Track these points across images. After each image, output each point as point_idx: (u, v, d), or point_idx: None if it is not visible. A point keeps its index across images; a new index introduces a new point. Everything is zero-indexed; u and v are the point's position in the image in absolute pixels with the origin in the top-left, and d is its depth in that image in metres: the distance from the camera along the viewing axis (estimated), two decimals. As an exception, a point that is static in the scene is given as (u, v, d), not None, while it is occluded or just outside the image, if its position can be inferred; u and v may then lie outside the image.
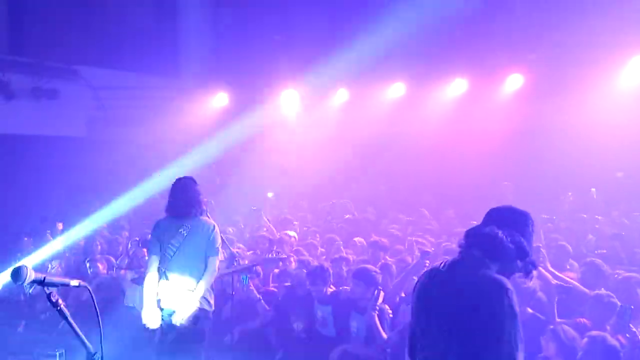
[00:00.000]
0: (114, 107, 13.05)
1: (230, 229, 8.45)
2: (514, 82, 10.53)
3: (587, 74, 9.08)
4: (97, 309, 2.17)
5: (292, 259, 6.72)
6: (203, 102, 13.00)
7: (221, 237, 5.69)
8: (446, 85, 11.04)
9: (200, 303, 4.67)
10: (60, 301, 1.97)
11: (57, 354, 6.53)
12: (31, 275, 1.94)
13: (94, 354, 2.04)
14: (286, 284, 6.24)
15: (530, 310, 4.72)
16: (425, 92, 11.07)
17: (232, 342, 5.64)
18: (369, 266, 5.42)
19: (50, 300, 1.97)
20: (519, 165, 9.62)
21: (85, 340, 2.03)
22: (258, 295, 6.08)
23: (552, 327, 4.41)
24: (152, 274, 4.74)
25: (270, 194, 12.22)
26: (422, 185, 10.59)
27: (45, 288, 1.98)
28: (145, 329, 4.88)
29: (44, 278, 1.97)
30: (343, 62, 10.88)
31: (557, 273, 5.52)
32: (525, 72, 10.33)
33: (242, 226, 9.41)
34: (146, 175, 11.46)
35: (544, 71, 9.79)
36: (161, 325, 4.74)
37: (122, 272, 7.04)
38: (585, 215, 8.16)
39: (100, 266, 7.26)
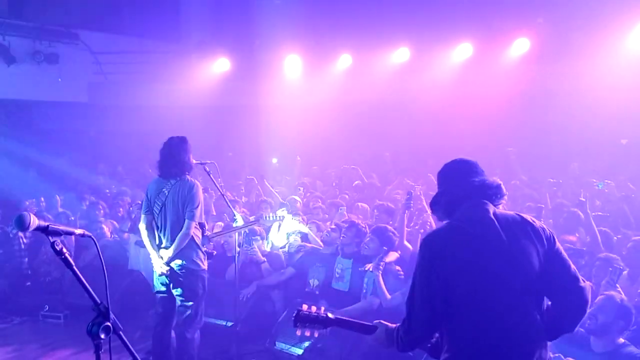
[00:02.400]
0: (114, 71, 12.91)
1: (229, 194, 8.44)
2: (520, 46, 10.34)
3: (595, 38, 8.90)
4: (102, 260, 2.14)
5: (301, 219, 6.74)
6: (204, 67, 12.81)
7: (226, 199, 5.71)
8: (451, 50, 10.85)
9: (185, 261, 4.70)
10: (64, 250, 1.94)
11: (62, 315, 6.65)
12: (34, 222, 1.91)
13: (100, 304, 2.01)
14: (306, 244, 6.27)
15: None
16: (430, 57, 10.90)
17: (237, 302, 5.66)
18: (389, 227, 5.42)
19: (54, 249, 1.93)
20: (525, 130, 9.54)
21: (91, 290, 2.00)
22: (262, 258, 6.10)
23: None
24: (142, 230, 4.90)
25: (274, 160, 12.20)
26: (426, 151, 10.52)
27: (50, 237, 1.95)
28: (153, 290, 4.97)
29: (48, 226, 1.94)
30: (346, 27, 10.71)
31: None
32: (531, 36, 10.13)
33: (243, 190, 9.38)
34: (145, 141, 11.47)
35: (550, 35, 9.62)
36: (159, 281, 4.81)
37: (126, 235, 7.07)
38: (594, 180, 8.08)
39: (105, 228, 7.27)
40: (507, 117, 9.59)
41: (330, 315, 2.67)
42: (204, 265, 4.87)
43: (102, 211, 7.89)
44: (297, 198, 8.34)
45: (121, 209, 8.34)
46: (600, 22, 8.75)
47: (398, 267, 5.30)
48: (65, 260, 1.95)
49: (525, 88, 9.97)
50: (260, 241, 6.49)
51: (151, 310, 5.53)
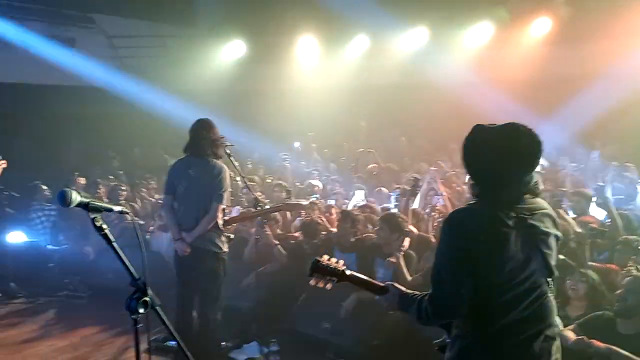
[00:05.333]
0: (129, 56, 12.94)
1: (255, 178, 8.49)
2: (540, 25, 10.16)
3: (620, 16, 8.66)
4: (139, 235, 2.17)
5: (317, 203, 6.75)
6: (219, 50, 12.78)
7: (245, 182, 5.74)
8: (470, 30, 10.69)
9: (207, 244, 4.72)
10: (104, 226, 1.97)
11: (85, 295, 6.77)
12: (76, 198, 1.93)
13: (138, 279, 2.04)
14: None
15: (561, 257, 4.69)
16: (449, 37, 10.73)
17: (252, 284, 5.72)
18: (396, 212, 5.39)
19: (94, 225, 1.96)
20: (546, 114, 9.38)
21: (129, 265, 2.03)
22: (275, 241, 6.11)
23: (581, 270, 4.38)
24: (166, 211, 4.94)
25: (297, 144, 12.17)
26: (445, 135, 10.41)
27: (89, 213, 1.98)
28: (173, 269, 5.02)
29: (89, 202, 1.96)
30: (362, 6, 10.60)
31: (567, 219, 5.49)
32: (553, 15, 9.93)
33: (262, 174, 9.43)
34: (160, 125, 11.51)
35: (573, 13, 9.40)
36: (181, 264, 4.84)
37: (151, 228, 7.14)
38: (615, 163, 7.98)
39: (130, 213, 7.32)
40: (527, 100, 9.40)
41: (346, 270, 2.68)
42: (225, 247, 4.91)
43: (124, 194, 7.96)
44: (315, 183, 8.36)
45: (144, 192, 8.43)
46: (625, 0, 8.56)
47: (413, 252, 5.31)
48: (106, 237, 1.98)
49: (546, 69, 9.75)
50: (275, 225, 6.52)
51: (172, 291, 5.62)
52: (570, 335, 3.77)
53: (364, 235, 5.70)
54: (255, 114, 12.81)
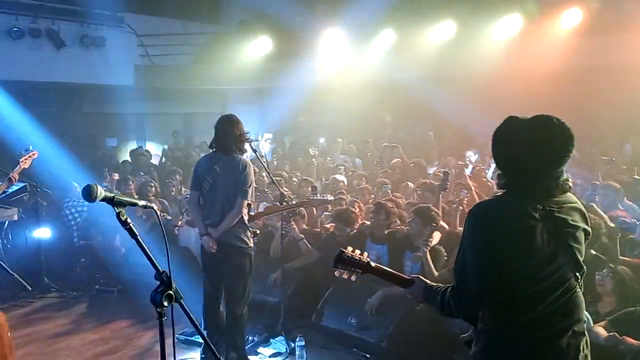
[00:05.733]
0: (159, 54, 13.14)
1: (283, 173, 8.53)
2: (571, 16, 9.90)
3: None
4: (163, 229, 2.20)
5: (344, 199, 6.74)
6: (245, 47, 12.86)
7: (272, 178, 5.76)
8: (499, 22, 10.49)
9: (233, 240, 4.76)
10: (128, 220, 1.99)
11: (115, 289, 6.90)
12: (101, 193, 1.97)
13: (163, 273, 2.07)
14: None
15: (592, 252, 4.59)
16: (476, 30, 10.55)
17: (278, 279, 5.74)
18: (431, 206, 5.35)
19: (119, 219, 1.99)
20: (577, 106, 9.17)
21: (154, 260, 2.06)
22: (300, 235, 6.13)
23: (611, 265, 4.29)
24: (193, 207, 5.01)
25: (322, 139, 12.18)
26: (473, 129, 10.27)
27: (115, 207, 2.01)
28: (200, 266, 5.09)
29: (114, 197, 2.00)
30: (388, 1, 10.51)
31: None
32: (583, 6, 9.67)
33: (288, 169, 9.47)
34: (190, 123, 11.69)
35: (604, 3, 9.17)
36: (207, 259, 4.89)
37: (179, 222, 7.22)
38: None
39: (155, 207, 7.42)
40: (557, 93, 9.19)
41: (371, 262, 2.66)
42: (251, 243, 4.94)
43: (153, 189, 8.08)
44: (339, 178, 8.34)
45: (173, 190, 8.54)
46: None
47: (442, 248, 5.27)
48: (130, 231, 2.01)
49: (577, 62, 9.52)
50: (300, 220, 6.53)
51: (200, 286, 5.69)
52: (601, 331, 3.69)
53: (396, 227, 5.68)
54: (283, 109, 12.87)
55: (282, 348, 5.25)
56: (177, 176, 9.24)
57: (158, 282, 2.08)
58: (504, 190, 2.36)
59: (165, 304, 2.05)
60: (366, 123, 12.11)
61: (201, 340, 5.21)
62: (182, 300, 2.13)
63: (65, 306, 6.57)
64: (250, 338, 5.31)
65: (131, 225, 2.00)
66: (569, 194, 2.36)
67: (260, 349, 5.25)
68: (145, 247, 2.03)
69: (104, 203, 2.02)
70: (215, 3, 14.27)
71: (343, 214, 5.88)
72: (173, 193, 8.56)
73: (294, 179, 8.68)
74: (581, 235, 2.35)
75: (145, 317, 5.94)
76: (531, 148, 2.25)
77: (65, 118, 12.14)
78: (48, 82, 11.61)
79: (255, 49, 12.84)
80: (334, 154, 11.05)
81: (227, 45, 12.93)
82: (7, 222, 7.07)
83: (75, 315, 6.31)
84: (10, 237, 7.23)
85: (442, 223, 5.46)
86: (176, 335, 5.33)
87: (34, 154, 6.26)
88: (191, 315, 2.16)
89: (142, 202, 2.16)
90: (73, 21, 11.90)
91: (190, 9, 13.57)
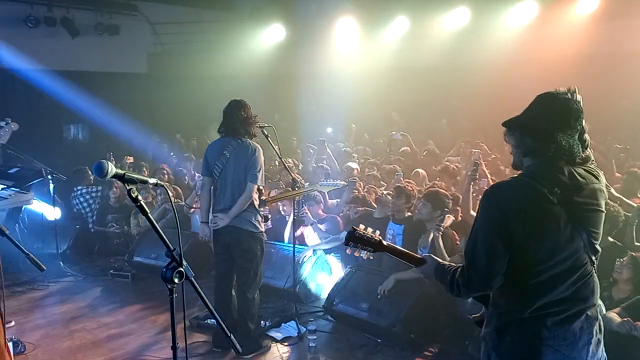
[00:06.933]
0: (171, 42, 13.17)
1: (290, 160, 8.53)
2: (588, 2, 9.75)
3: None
4: (174, 208, 2.21)
5: (358, 186, 6.76)
6: (258, 34, 12.84)
7: (284, 164, 5.77)
8: (514, 8, 10.36)
9: (243, 224, 4.77)
10: (139, 197, 2.01)
11: (129, 275, 6.97)
12: (112, 170, 1.98)
13: (174, 250, 2.08)
14: (359, 208, 6.27)
15: (610, 239, 4.54)
16: (491, 17, 10.44)
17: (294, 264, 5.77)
18: (441, 190, 5.32)
19: (130, 196, 2.01)
20: (593, 94, 9.02)
21: (165, 237, 2.07)
22: (312, 219, 6.16)
23: (632, 253, 4.24)
24: (203, 194, 5.01)
25: (329, 129, 12.18)
26: (486, 117, 10.17)
27: (125, 184, 2.02)
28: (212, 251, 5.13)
29: (124, 174, 2.01)
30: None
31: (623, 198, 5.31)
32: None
33: (300, 153, 9.50)
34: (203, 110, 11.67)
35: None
36: (219, 244, 4.93)
37: (192, 210, 7.29)
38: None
39: (169, 194, 7.47)
40: (572, 80, 9.04)
41: (382, 240, 2.66)
42: (262, 227, 4.95)
43: (166, 177, 8.13)
44: (353, 166, 8.34)
45: (186, 178, 8.61)
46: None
47: (454, 232, 5.25)
48: (141, 207, 2.02)
49: (594, 48, 9.37)
50: (315, 205, 6.55)
51: (212, 270, 5.74)
52: (615, 317, 3.67)
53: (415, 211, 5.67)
54: (295, 97, 12.85)
55: (294, 332, 5.27)
56: (190, 164, 9.28)
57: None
58: (520, 172, 2.34)
59: (176, 280, 2.07)
60: (380, 111, 12.04)
61: (213, 324, 5.27)
62: (192, 278, 2.14)
63: (80, 290, 6.66)
64: (262, 322, 5.35)
65: (142, 202, 2.01)
66: (590, 175, 2.31)
67: (272, 333, 5.27)
68: (156, 224, 2.04)
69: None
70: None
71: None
72: (186, 181, 8.61)
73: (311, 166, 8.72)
74: (600, 217, 2.32)
75: (159, 302, 6.04)
76: (537, 118, 2.30)
77: (79, 106, 12.23)
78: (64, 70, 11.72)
79: (268, 36, 12.81)
80: (347, 140, 11.06)
81: (240, 33, 12.92)
82: (23, 207, 7.16)
83: (90, 299, 6.39)
84: (26, 221, 7.33)
85: (472, 212, 5.39)
86: (188, 319, 5.41)
87: (12, 127, 6.22)
88: (201, 293, 2.18)
89: (152, 180, 2.17)
90: (87, 10, 11.96)
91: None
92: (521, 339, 2.28)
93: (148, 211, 2.04)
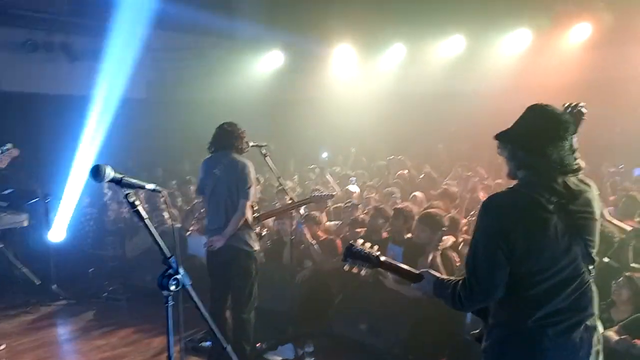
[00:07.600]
0: (171, 68, 13.27)
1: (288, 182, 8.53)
2: (580, 31, 9.92)
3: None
4: (170, 212, 2.20)
5: (359, 207, 6.77)
6: (257, 60, 12.98)
7: (280, 180, 5.73)
8: (509, 37, 10.55)
9: (238, 244, 4.73)
10: (137, 202, 2.00)
11: (124, 298, 6.90)
12: (110, 174, 1.97)
13: (170, 257, 2.07)
14: (358, 230, 6.23)
15: (606, 259, 4.53)
16: (486, 45, 10.62)
17: (288, 286, 5.72)
18: (433, 211, 5.30)
19: (127, 201, 2.00)
20: (587, 121, 9.10)
21: (161, 244, 2.06)
22: (312, 240, 6.11)
23: (626, 273, 4.22)
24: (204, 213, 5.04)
25: (324, 154, 12.24)
26: (482, 142, 10.23)
27: (122, 189, 2.02)
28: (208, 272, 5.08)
29: (122, 178, 2.01)
30: (399, 15, 10.60)
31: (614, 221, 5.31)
32: (593, 20, 9.66)
33: (296, 179, 9.50)
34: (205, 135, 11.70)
35: (613, 18, 9.14)
36: (213, 264, 4.87)
37: (188, 233, 7.25)
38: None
39: (165, 216, 7.44)
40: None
41: (380, 256, 2.63)
42: (256, 246, 4.91)
43: (163, 199, 8.09)
44: (352, 189, 8.34)
45: (179, 199, 8.59)
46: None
47: (454, 254, 5.22)
48: (138, 213, 2.01)
49: (586, 76, 9.50)
50: (315, 226, 6.52)
51: (208, 294, 5.67)
52: (613, 335, 3.64)
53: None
54: (292, 123, 12.91)
55: (291, 355, 5.18)
56: (191, 186, 9.27)
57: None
58: (516, 182, 2.36)
59: (172, 288, 2.05)
60: (378, 136, 12.11)
61: (208, 347, 5.20)
62: (188, 286, 2.12)
63: (74, 313, 6.58)
64: (258, 344, 5.26)
65: (139, 208, 2.00)
66: (582, 184, 2.34)
67: (269, 356, 5.19)
68: (153, 231, 2.03)
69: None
70: (228, 18, 14.41)
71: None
72: (179, 203, 8.59)
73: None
74: (595, 226, 2.33)
75: (154, 326, 5.93)
76: (528, 132, 2.36)
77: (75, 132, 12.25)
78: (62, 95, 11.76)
79: (266, 62, 12.94)
80: (346, 164, 11.11)
81: (239, 59, 13.06)
82: (17, 228, 7.12)
83: (83, 322, 6.31)
84: (20, 243, 7.28)
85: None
86: (184, 341, 5.32)
87: (12, 153, 6.25)
88: (197, 300, 2.16)
89: (150, 186, 2.16)
90: (87, 35, 12.08)
91: (203, 24, 13.70)
92: (523, 350, 2.26)
93: (145, 217, 2.02)
